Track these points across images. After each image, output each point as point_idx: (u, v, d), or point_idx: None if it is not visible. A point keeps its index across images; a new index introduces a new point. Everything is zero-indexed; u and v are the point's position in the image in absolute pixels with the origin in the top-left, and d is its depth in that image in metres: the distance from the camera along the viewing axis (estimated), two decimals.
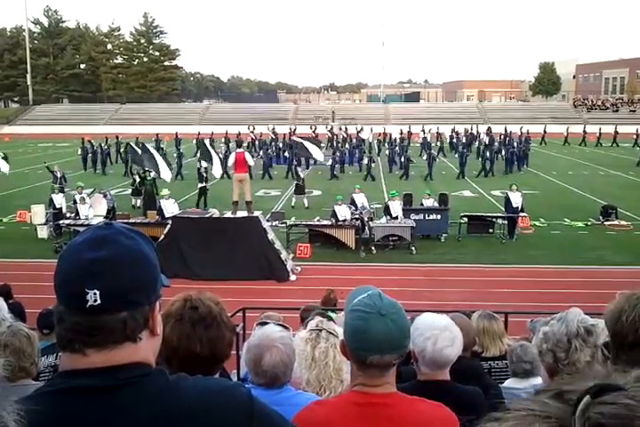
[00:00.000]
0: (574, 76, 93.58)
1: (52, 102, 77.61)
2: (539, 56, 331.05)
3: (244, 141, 16.45)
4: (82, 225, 15.75)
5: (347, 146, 35.88)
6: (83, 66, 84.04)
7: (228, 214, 15.04)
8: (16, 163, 34.64)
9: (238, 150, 15.08)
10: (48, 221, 17.73)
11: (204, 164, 21.15)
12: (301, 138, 28.10)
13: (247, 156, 15.06)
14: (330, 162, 30.18)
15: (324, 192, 24.78)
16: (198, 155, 24.99)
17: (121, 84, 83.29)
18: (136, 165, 22.76)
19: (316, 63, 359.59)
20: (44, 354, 4.32)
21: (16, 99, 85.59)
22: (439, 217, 17.23)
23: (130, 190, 22.99)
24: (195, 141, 34.19)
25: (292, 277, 13.90)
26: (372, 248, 15.79)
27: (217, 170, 19.87)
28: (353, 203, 17.21)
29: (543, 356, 2.20)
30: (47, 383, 1.23)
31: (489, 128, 43.63)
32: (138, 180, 21.36)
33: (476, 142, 38.80)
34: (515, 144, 33.26)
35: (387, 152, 34.82)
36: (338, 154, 32.21)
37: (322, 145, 38.56)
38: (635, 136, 43.18)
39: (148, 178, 20.44)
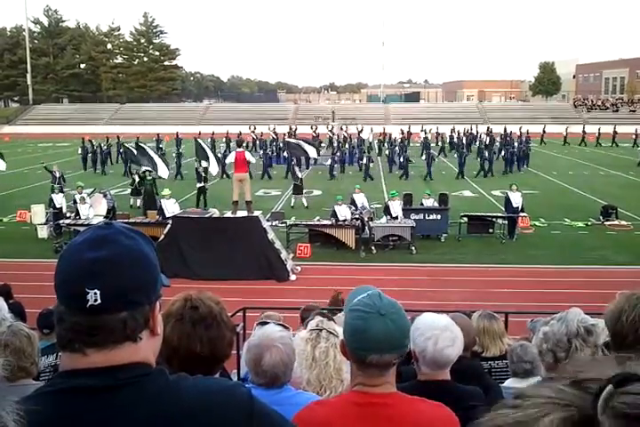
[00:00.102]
0: (574, 76, 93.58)
1: (51, 102, 77.64)
2: (539, 56, 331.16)
3: (244, 141, 16.39)
4: (82, 225, 15.75)
5: (346, 146, 35.88)
6: (83, 66, 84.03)
7: (228, 214, 15.04)
8: (16, 163, 34.68)
9: (238, 150, 15.05)
10: (48, 221, 17.72)
11: (203, 163, 21.18)
12: (295, 139, 28.15)
13: (247, 154, 15.03)
14: (329, 162, 30.18)
15: (324, 192, 24.79)
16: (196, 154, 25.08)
17: (121, 84, 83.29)
18: (134, 165, 22.83)
19: (316, 63, 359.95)
20: (44, 354, 4.32)
21: (16, 98, 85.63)
22: (439, 217, 17.22)
23: (129, 190, 23.01)
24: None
25: (292, 277, 13.90)
26: (372, 248, 15.79)
27: (214, 167, 19.90)
28: (353, 203, 17.21)
29: (543, 356, 2.20)
30: (47, 383, 1.23)
31: (489, 128, 43.62)
32: (137, 180, 21.39)
33: (477, 142, 38.79)
34: (515, 144, 33.27)
35: (387, 152, 34.84)
36: (338, 154, 32.20)
37: (322, 145, 38.70)
38: (634, 136, 43.20)
39: (148, 178, 20.46)
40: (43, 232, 17.49)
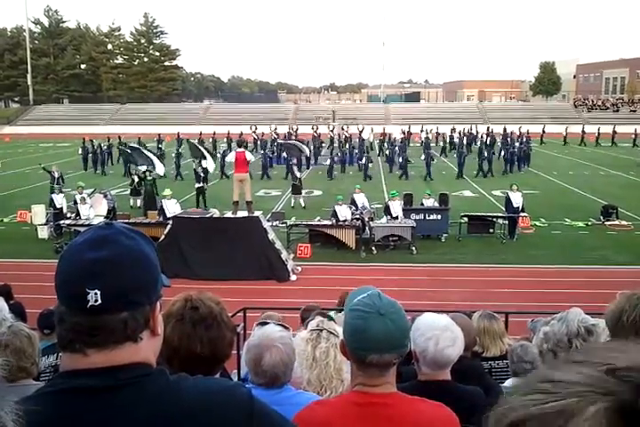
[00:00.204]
0: (574, 76, 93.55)
1: (52, 102, 77.61)
2: (539, 56, 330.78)
3: (245, 141, 16.38)
4: (82, 225, 15.74)
5: (347, 146, 35.89)
6: (83, 66, 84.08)
7: (229, 214, 15.03)
8: (17, 163, 34.73)
9: (239, 150, 15.04)
10: (48, 222, 17.72)
11: (203, 163, 21.19)
12: (288, 140, 28.32)
13: (247, 154, 15.00)
14: (328, 162, 30.16)
15: (324, 192, 24.78)
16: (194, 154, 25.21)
17: (121, 85, 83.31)
18: (132, 165, 22.88)
19: (316, 63, 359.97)
20: (44, 354, 4.32)
21: (16, 99, 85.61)
22: (439, 217, 17.21)
23: (129, 190, 23.03)
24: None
25: (293, 277, 13.89)
26: (373, 248, 15.78)
27: (210, 164, 19.95)
28: (353, 203, 17.20)
29: (544, 356, 2.20)
30: (48, 384, 1.23)
31: (489, 128, 43.63)
32: (136, 180, 21.40)
33: (477, 142, 38.78)
34: (516, 144, 33.25)
35: (387, 152, 34.83)
36: (339, 154, 32.17)
37: (323, 145, 38.71)
38: (633, 136, 43.17)
39: (148, 178, 20.47)
40: (43, 232, 17.49)
